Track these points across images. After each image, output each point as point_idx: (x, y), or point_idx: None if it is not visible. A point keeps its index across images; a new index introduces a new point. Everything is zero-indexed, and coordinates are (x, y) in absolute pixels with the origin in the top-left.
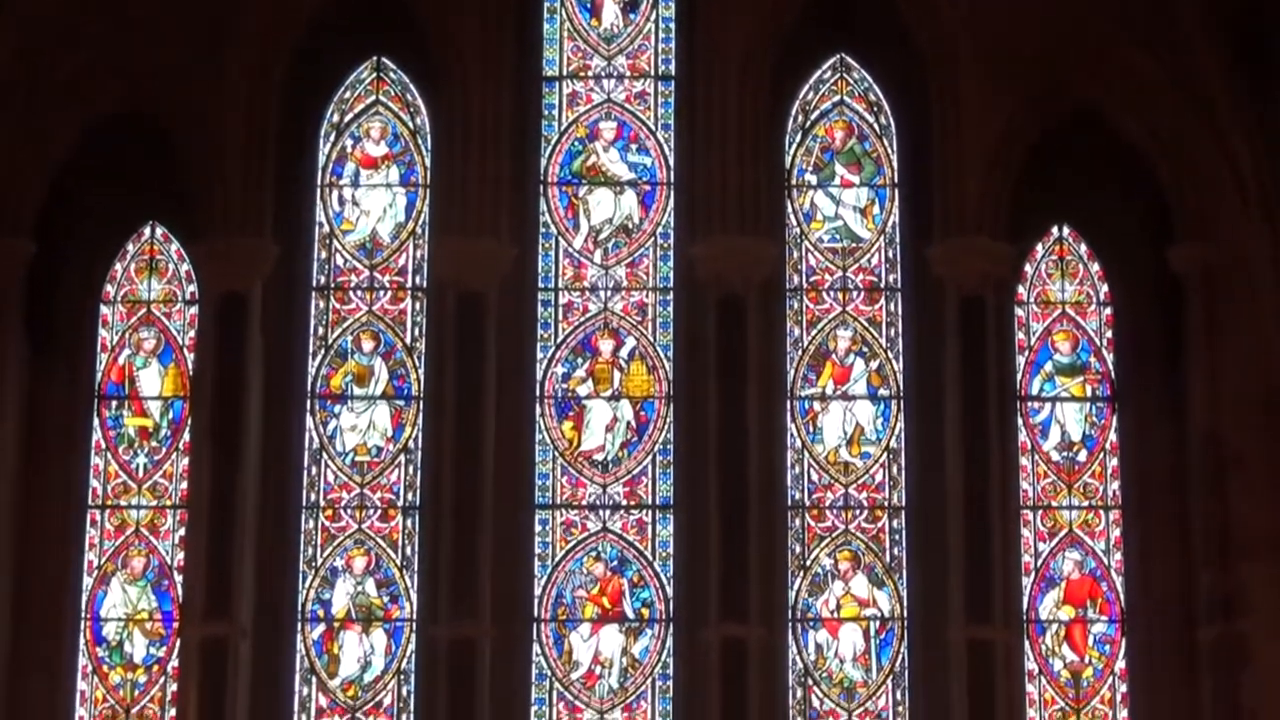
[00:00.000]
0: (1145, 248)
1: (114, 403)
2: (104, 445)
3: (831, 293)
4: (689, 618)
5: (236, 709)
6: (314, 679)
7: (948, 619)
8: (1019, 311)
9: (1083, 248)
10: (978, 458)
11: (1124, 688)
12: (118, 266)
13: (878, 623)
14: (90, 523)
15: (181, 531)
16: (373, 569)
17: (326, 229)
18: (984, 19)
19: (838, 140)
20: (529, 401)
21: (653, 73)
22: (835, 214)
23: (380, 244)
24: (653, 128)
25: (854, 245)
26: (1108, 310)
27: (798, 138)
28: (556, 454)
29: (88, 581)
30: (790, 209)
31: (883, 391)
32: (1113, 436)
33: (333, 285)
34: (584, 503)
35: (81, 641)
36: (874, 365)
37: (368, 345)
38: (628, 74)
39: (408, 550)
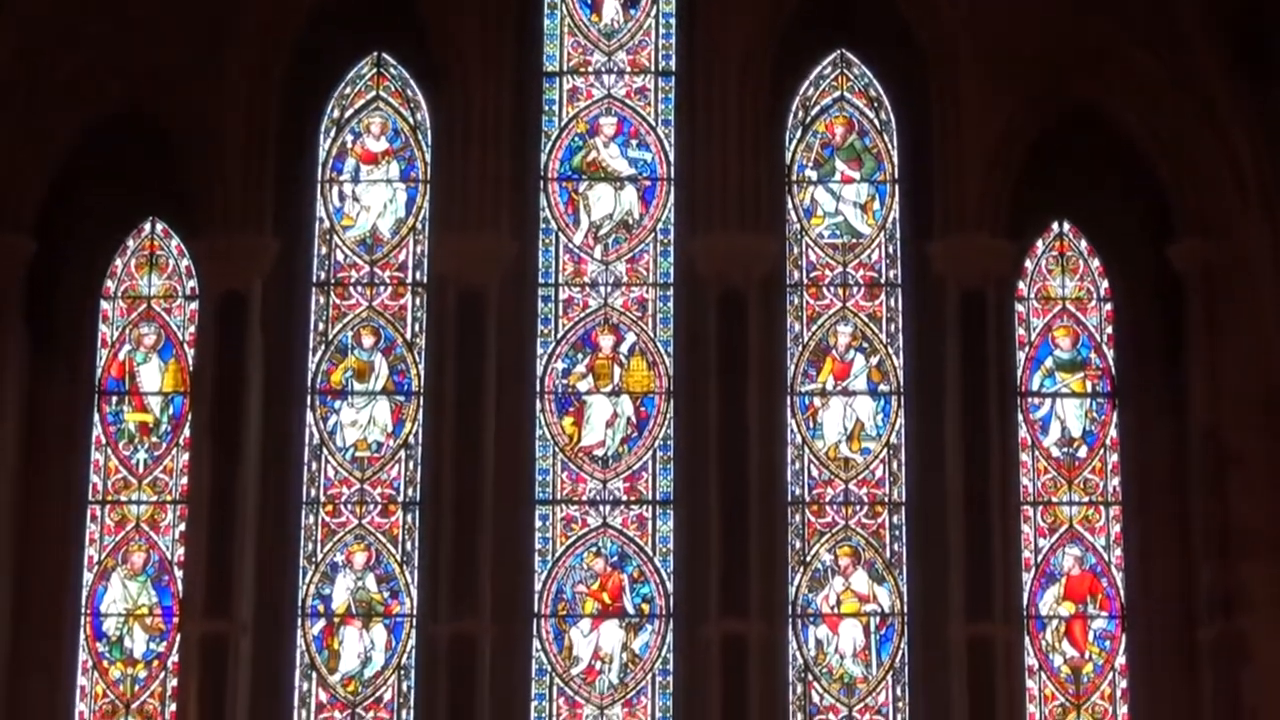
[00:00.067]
0: (1145, 244)
1: (114, 398)
2: (104, 441)
3: (832, 288)
4: (689, 613)
5: (237, 704)
6: (314, 674)
7: (948, 615)
8: (1019, 307)
9: (1083, 244)
10: (978, 453)
11: (1124, 684)
12: (118, 262)
13: (878, 618)
14: (90, 518)
15: (182, 527)
16: (373, 564)
17: (327, 224)
18: (984, 19)
19: (838, 136)
20: (529, 397)
21: (653, 68)
22: (835, 209)
23: (380, 239)
24: (653, 123)
25: (854, 241)
26: (1108, 306)
27: (798, 133)
28: (557, 449)
29: (88, 577)
30: (790, 205)
31: (883, 387)
32: (1113, 432)
33: (333, 281)
34: (584, 498)
35: (82, 637)
36: (874, 361)
37: (368, 341)
38: (628, 69)
39: (408, 546)
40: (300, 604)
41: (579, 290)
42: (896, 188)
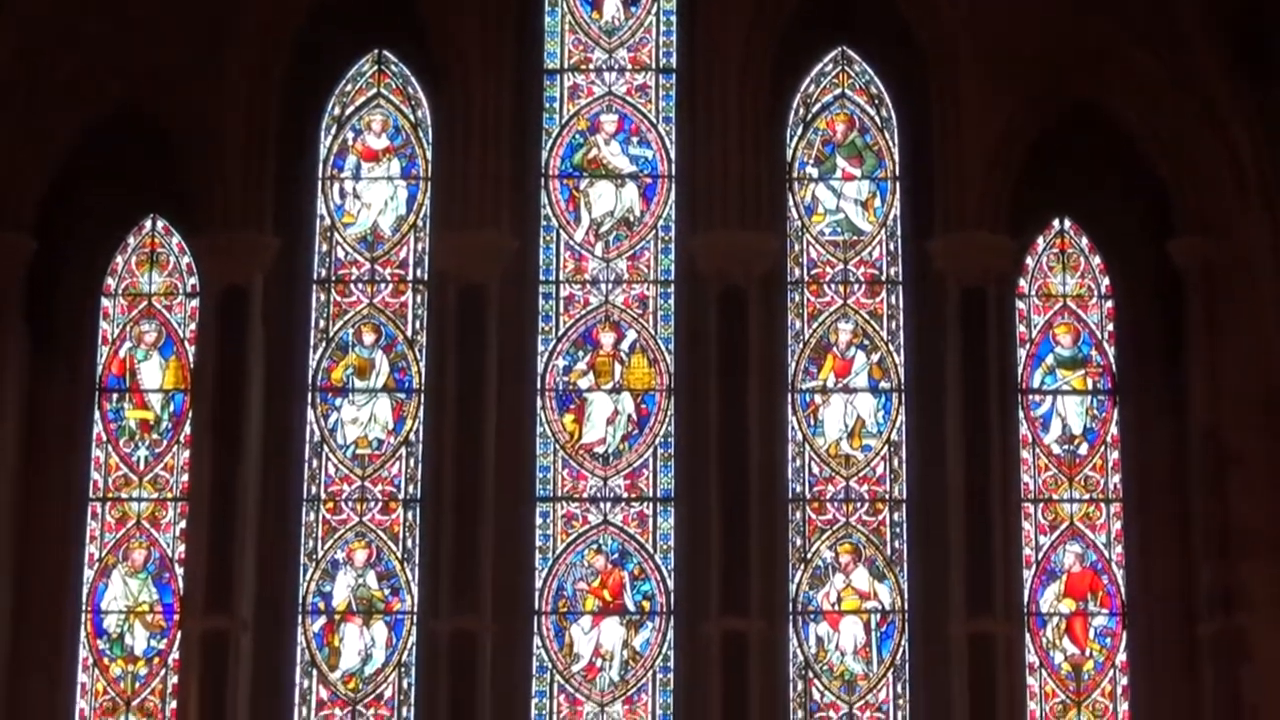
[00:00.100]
0: (1146, 241)
1: (115, 395)
2: (105, 438)
3: (833, 286)
4: (690, 611)
5: (237, 701)
6: (315, 671)
7: (949, 612)
8: (1020, 305)
9: (1084, 241)
10: (979, 451)
11: (1124, 681)
12: (119, 259)
13: (878, 616)
14: (91, 515)
15: (182, 524)
16: (373, 562)
17: (328, 222)
18: (984, 19)
19: (839, 133)
20: (530, 394)
21: (654, 66)
22: (836, 207)
23: (381, 237)
24: (654, 121)
25: (855, 238)
26: (1109, 303)
27: (799, 131)
28: (557, 447)
29: (89, 574)
30: (791, 202)
31: (884, 384)
32: (1114, 430)
33: (334, 278)
34: (585, 495)
35: (82, 634)
36: (875, 358)
37: (369, 338)
38: (629, 67)
39: (408, 543)
40: (301, 601)
41: (580, 287)
42: (897, 185)
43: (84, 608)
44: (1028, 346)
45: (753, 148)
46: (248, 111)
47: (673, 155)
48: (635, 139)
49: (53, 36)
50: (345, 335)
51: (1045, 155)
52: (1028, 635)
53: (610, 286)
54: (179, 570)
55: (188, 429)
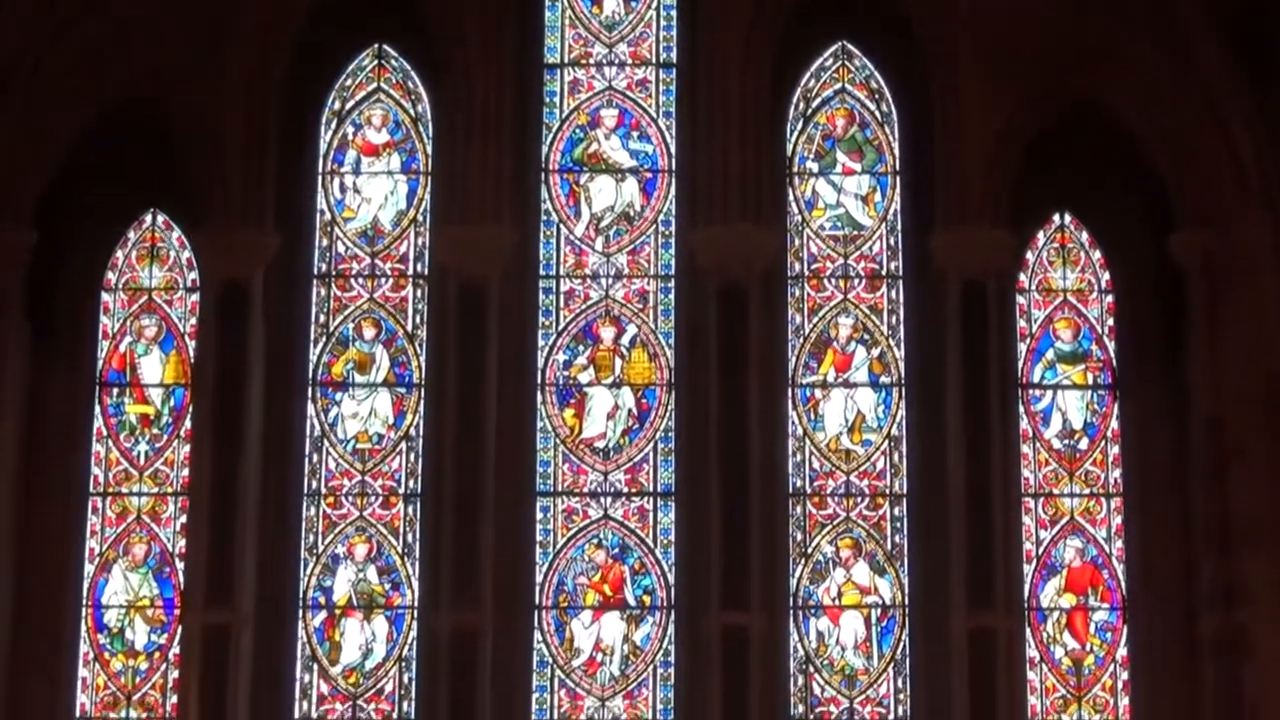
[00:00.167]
0: (1146, 236)
1: (115, 390)
2: (105, 433)
3: (833, 280)
4: (690, 605)
5: (238, 696)
6: (315, 666)
7: (949, 607)
8: (1020, 299)
9: (1084, 235)
10: (979, 445)
11: (1125, 676)
12: (119, 254)
13: (879, 610)
14: (92, 510)
15: (183, 519)
16: (374, 556)
17: (328, 216)
18: (984, 19)
19: (839, 128)
20: (530, 389)
21: (654, 60)
22: (837, 201)
23: (381, 231)
24: (654, 115)
25: (855, 233)
26: (1109, 298)
27: (799, 125)
28: (558, 441)
29: (89, 569)
30: (792, 196)
31: (884, 379)
32: (1114, 424)
33: (334, 272)
34: (585, 490)
35: (83, 629)
36: (875, 353)
37: (369, 332)
38: (629, 61)
39: (409, 538)
40: (301, 596)
41: (580, 282)
42: (898, 180)
43: (84, 602)
44: (1028, 341)
45: (753, 142)
46: (248, 112)
47: (673, 150)
48: (635, 134)
49: (53, 36)
50: (345, 330)
51: (1045, 150)
52: (1028, 630)
53: (610, 281)
54: (179, 565)
55: (188, 424)
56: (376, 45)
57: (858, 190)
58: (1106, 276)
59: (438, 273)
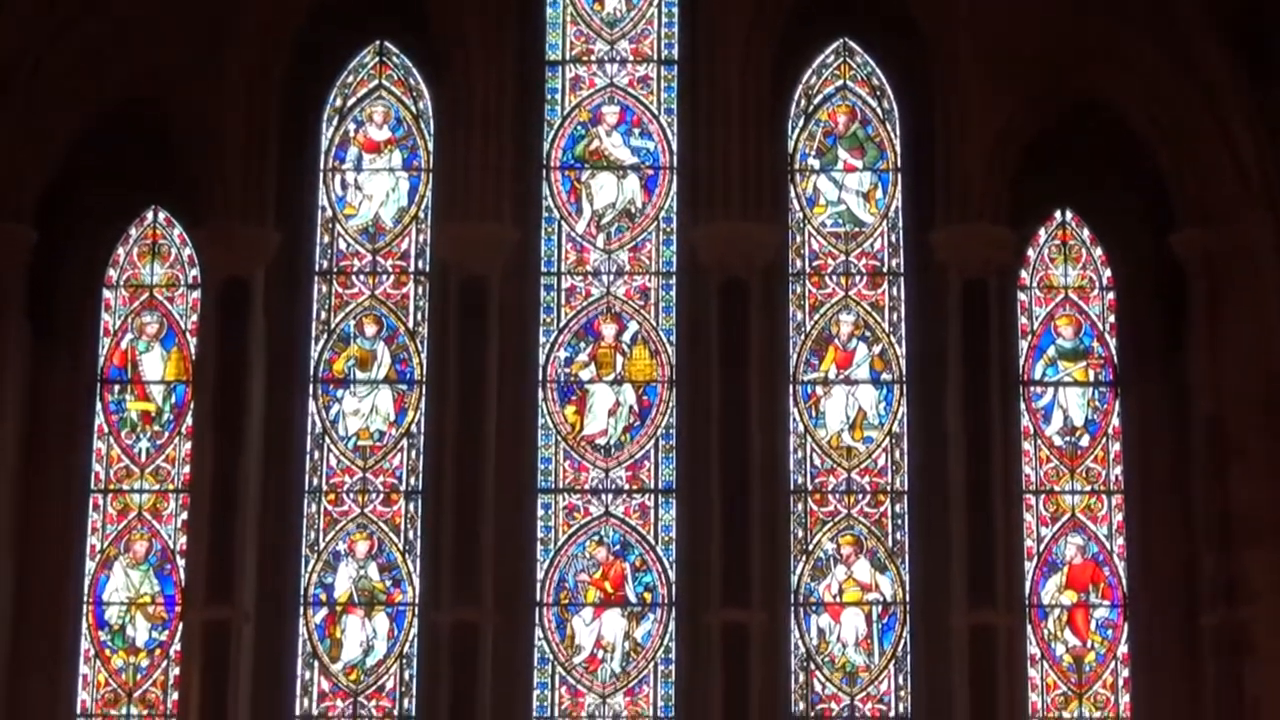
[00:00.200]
0: (1147, 233)
1: (116, 387)
2: (106, 430)
3: (834, 277)
4: (691, 602)
5: (239, 693)
6: (316, 663)
7: (950, 604)
8: (1021, 296)
9: (1085, 232)
10: (980, 442)
11: (1126, 672)
12: (120, 251)
13: (880, 607)
14: (93, 507)
15: (184, 516)
16: (375, 553)
17: (329, 213)
18: (985, 18)
19: (840, 125)
20: (531, 386)
21: (655, 57)
22: (838, 198)
23: (383, 228)
24: (655, 112)
25: (857, 230)
26: (1110, 295)
27: (800, 122)
28: (559, 438)
29: (90, 566)
30: (793, 193)
31: (885, 376)
32: (1115, 421)
33: (335, 269)
34: (586, 487)
35: (84, 625)
36: (876, 350)
37: (370, 329)
38: (630, 58)
39: (410, 534)
40: (302, 592)
41: (581, 279)
42: (899, 176)
43: (85, 599)
44: (1029, 338)
45: (754, 139)
46: (248, 111)
47: (674, 147)
48: (637, 130)
49: (53, 36)
50: (347, 327)
51: (1046, 147)
52: (1029, 627)
53: (612, 278)
54: (180, 562)
55: (189, 420)
56: (378, 42)
57: (859, 187)
58: (1108, 273)
59: (439, 269)
